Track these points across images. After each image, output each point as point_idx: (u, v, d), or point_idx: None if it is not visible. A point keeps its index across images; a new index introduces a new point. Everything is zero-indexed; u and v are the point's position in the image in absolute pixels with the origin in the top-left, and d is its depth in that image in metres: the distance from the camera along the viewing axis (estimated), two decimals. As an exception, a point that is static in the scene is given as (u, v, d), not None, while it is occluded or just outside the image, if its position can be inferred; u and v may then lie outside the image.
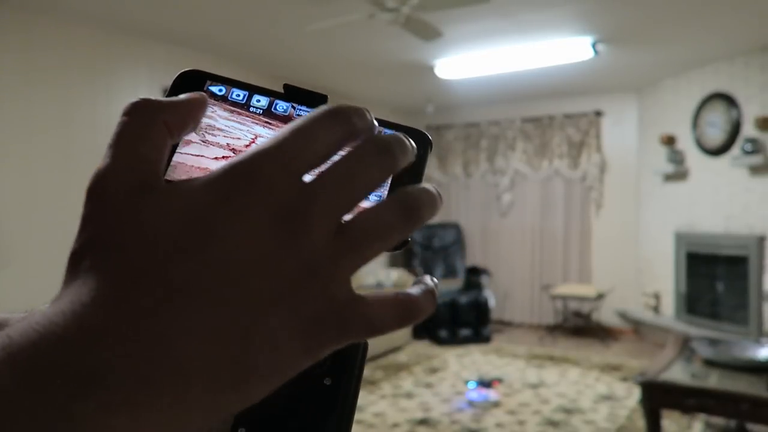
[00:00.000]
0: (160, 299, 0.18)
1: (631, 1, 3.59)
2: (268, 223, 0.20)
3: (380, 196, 0.28)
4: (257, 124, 0.28)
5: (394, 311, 0.21)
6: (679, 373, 2.76)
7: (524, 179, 6.60)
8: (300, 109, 0.29)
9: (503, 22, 3.97)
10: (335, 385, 0.25)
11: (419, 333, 5.67)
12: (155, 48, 4.35)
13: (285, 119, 0.29)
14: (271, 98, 0.29)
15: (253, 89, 0.29)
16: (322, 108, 0.22)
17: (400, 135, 0.23)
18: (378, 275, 5.65)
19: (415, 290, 0.23)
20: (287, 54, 4.71)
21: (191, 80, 0.28)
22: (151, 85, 4.34)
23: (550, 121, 6.43)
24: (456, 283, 6.30)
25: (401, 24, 3.46)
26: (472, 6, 3.28)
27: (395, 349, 5.22)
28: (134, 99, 0.22)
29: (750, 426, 3.08)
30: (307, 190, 0.21)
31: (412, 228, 0.22)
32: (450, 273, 6.47)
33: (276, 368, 0.20)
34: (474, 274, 6.30)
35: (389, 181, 0.28)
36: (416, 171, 0.28)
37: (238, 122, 0.28)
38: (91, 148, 3.97)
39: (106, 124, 4.08)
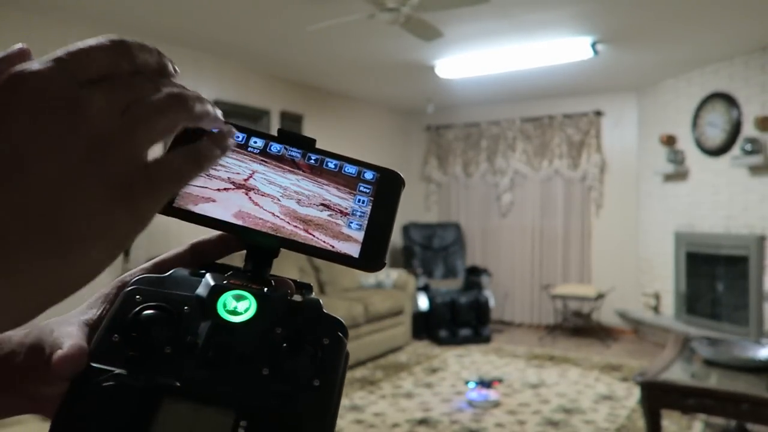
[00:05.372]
0: None
1: (631, 1, 3.59)
2: (47, 111, 0.22)
3: (360, 225, 0.31)
4: (254, 161, 0.32)
5: (189, 157, 0.25)
6: (679, 373, 2.76)
7: (524, 179, 6.60)
8: (291, 150, 0.33)
9: (503, 22, 3.97)
10: (323, 386, 0.27)
11: (419, 333, 5.67)
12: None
13: (278, 158, 0.32)
14: (267, 140, 0.33)
15: (251, 132, 0.33)
16: (109, 37, 0.25)
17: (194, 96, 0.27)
18: (378, 275, 5.65)
19: (204, 140, 0.27)
20: (287, 54, 4.71)
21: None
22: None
23: (550, 121, 6.43)
24: (456, 283, 6.30)
25: (401, 24, 3.46)
26: (472, 6, 3.28)
27: (395, 349, 5.21)
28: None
29: (750, 426, 3.08)
30: (85, 87, 0.23)
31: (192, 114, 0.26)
32: (450, 273, 6.47)
33: (102, 232, 0.22)
34: (474, 274, 6.30)
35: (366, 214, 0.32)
36: (390, 207, 0.32)
37: (238, 159, 0.32)
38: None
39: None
